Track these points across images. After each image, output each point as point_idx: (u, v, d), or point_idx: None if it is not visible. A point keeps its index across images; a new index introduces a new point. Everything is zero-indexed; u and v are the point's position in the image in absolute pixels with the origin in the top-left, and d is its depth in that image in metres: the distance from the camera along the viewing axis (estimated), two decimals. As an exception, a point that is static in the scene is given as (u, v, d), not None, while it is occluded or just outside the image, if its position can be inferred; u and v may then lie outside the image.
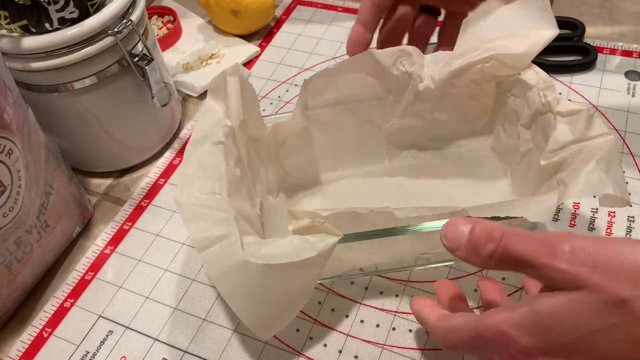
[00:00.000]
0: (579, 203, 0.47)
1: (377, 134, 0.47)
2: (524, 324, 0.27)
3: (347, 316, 0.42)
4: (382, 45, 0.45)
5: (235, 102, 0.41)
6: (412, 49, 0.43)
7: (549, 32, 0.41)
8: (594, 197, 0.36)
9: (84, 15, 0.44)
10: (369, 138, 0.48)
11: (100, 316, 0.44)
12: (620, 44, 0.59)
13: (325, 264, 0.36)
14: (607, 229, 0.45)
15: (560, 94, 0.55)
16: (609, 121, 0.52)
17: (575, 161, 0.36)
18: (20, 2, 0.42)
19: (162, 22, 0.68)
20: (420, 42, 0.46)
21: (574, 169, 0.35)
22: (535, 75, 0.41)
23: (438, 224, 0.37)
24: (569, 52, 0.59)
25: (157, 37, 0.64)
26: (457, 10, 0.45)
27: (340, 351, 0.40)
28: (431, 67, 0.43)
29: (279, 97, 0.59)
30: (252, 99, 0.43)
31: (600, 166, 0.34)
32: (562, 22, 0.61)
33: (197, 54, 0.63)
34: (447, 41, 0.45)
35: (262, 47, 0.65)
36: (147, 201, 0.51)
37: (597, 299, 0.25)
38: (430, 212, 0.35)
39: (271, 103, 0.59)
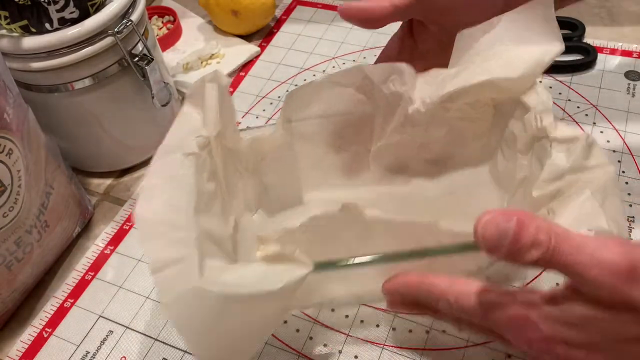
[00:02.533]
0: (579, 203, 0.47)
1: (364, 154, 0.44)
2: (553, 316, 0.27)
3: (347, 316, 0.42)
4: None
5: (214, 110, 0.37)
6: (405, 66, 0.39)
7: (554, 48, 0.37)
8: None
9: (84, 15, 0.44)
10: (356, 158, 0.44)
11: (100, 316, 0.44)
12: (620, 44, 0.59)
13: (292, 297, 0.32)
14: (607, 229, 0.45)
15: (560, 93, 0.55)
16: (609, 121, 0.52)
17: (569, 191, 0.33)
18: (20, 2, 0.42)
19: (162, 22, 0.68)
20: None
21: (567, 197, 0.32)
22: (535, 97, 0.37)
23: (418, 252, 0.33)
24: (569, 52, 0.59)
25: (157, 37, 0.64)
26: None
27: (340, 351, 0.40)
28: (423, 88, 0.39)
29: (279, 97, 0.59)
30: (229, 108, 0.39)
31: (596, 197, 0.31)
32: (562, 22, 0.61)
33: (197, 54, 0.63)
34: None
35: (262, 47, 0.65)
36: (147, 201, 0.51)
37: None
38: (405, 220, 0.33)
39: (271, 103, 0.59)
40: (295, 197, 0.45)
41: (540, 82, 0.38)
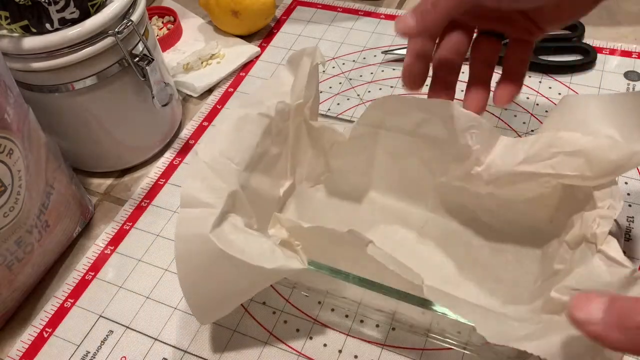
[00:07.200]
0: (578, 203, 0.47)
1: (429, 181, 0.43)
2: None
3: (347, 316, 0.42)
4: (436, 72, 0.39)
5: (301, 82, 0.41)
6: (488, 126, 0.38)
7: None
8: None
9: (85, 15, 0.44)
10: (421, 182, 0.44)
11: (100, 316, 0.44)
12: (620, 44, 0.60)
13: (276, 281, 0.36)
14: (606, 229, 0.45)
15: (559, 94, 0.55)
16: (609, 121, 0.52)
17: None
18: (20, 3, 0.42)
19: (163, 22, 0.68)
20: (483, 68, 0.40)
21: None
22: (608, 199, 0.34)
23: (416, 299, 0.34)
24: (569, 52, 0.59)
25: (158, 37, 0.64)
26: (521, 37, 0.39)
27: (340, 351, 0.40)
28: (497, 156, 0.38)
29: (279, 97, 0.59)
30: (315, 85, 0.42)
31: None
32: (561, 23, 0.62)
33: (197, 54, 0.63)
34: (512, 77, 0.39)
35: (263, 48, 0.65)
36: (148, 201, 0.51)
37: None
38: (396, 269, 0.32)
39: (271, 103, 0.59)
40: (358, 189, 0.47)
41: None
